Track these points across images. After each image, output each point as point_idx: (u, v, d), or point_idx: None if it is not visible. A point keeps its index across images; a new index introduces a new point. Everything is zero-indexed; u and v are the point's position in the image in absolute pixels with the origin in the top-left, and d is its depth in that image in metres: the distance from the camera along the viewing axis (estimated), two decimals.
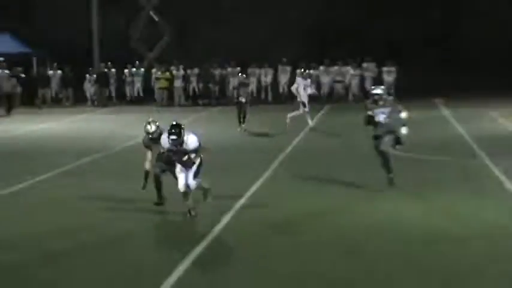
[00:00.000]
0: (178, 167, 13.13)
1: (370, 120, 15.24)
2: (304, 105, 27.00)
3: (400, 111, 15.19)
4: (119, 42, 43.39)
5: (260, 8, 45.07)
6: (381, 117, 15.08)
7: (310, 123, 27.04)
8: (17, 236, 12.59)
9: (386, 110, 15.10)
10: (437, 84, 38.29)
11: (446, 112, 31.82)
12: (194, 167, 13.07)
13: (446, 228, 12.51)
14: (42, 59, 41.69)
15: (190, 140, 12.82)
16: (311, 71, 29.27)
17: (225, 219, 13.28)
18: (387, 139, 15.16)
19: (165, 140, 12.95)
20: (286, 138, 24.02)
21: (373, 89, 15.69)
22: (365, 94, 38.43)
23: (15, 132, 27.07)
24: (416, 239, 11.83)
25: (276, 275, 10.18)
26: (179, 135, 12.70)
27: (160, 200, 14.06)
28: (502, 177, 16.63)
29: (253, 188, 15.88)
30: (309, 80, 28.23)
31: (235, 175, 17.45)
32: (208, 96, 39.28)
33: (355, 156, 19.61)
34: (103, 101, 39.07)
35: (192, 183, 13.07)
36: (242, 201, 14.70)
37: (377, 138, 15.24)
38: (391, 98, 15.55)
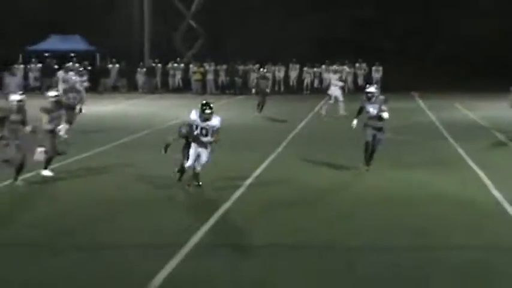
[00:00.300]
0: (194, 148, 12.39)
1: (361, 112, 14.64)
2: (330, 98, 25.85)
3: (383, 111, 14.29)
4: (165, 43, 43.53)
5: (274, 18, 44.95)
6: (371, 111, 14.37)
7: (324, 112, 25.60)
8: (73, 199, 12.59)
9: (376, 106, 14.36)
10: (413, 81, 38.07)
11: (421, 103, 31.69)
12: (209, 149, 12.43)
13: (419, 195, 12.45)
14: (103, 55, 41.72)
15: (215, 119, 12.30)
16: (335, 67, 27.86)
17: (242, 188, 13.12)
18: (378, 139, 14.43)
19: (194, 115, 12.28)
20: (293, 122, 23.92)
21: (368, 87, 14.88)
22: (357, 88, 38.65)
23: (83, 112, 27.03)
24: (394, 203, 11.76)
25: (283, 236, 10.13)
26: (212, 109, 12.21)
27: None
28: (465, 156, 16.52)
29: (265, 164, 15.75)
30: (338, 75, 27.48)
31: (253, 150, 17.37)
32: (233, 87, 39.29)
33: (347, 139, 19.47)
34: (151, 89, 39.07)
35: (204, 163, 12.49)
36: (258, 171, 14.60)
37: (366, 126, 14.48)
38: (382, 97, 14.61)
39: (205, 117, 12.20)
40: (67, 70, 25.66)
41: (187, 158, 12.48)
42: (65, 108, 14.74)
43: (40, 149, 13.45)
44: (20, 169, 12.97)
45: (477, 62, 40.43)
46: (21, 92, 14.39)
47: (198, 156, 12.40)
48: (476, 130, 21.89)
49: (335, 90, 25.92)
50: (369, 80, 38.61)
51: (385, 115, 14.27)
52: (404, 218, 10.83)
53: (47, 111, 13.78)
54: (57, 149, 13.92)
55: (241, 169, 14.32)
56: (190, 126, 12.39)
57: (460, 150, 17.35)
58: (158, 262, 8.45)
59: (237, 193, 12.37)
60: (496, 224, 10.49)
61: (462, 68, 39.86)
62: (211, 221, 10.54)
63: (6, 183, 12.97)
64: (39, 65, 39.01)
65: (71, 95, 19.83)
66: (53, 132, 13.72)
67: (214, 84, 39.43)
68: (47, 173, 13.81)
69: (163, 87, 40.41)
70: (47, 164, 13.81)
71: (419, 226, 10.32)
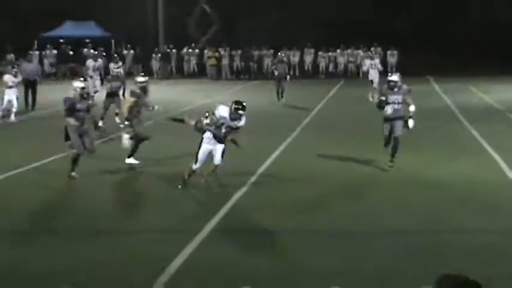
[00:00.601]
0: (205, 148, 11.55)
1: (382, 105, 13.10)
2: (372, 83, 25.38)
3: (409, 105, 13.00)
4: (179, 28, 43.53)
5: (289, 1, 44.83)
6: (393, 103, 12.95)
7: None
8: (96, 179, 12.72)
9: (399, 97, 12.93)
10: (429, 64, 37.90)
11: (436, 86, 31.58)
12: (224, 146, 11.62)
13: (434, 178, 12.48)
14: (118, 41, 41.80)
15: (244, 119, 11.40)
16: (372, 50, 27.56)
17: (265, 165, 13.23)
18: (398, 124, 13.03)
19: (225, 112, 11.36)
20: (309, 105, 23.94)
21: (390, 75, 13.47)
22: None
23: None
24: (408, 187, 11.81)
25: (297, 221, 10.22)
26: (245, 109, 11.35)
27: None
28: (480, 139, 16.51)
29: (279, 150, 15.84)
30: (376, 60, 27.21)
31: (267, 136, 17.45)
32: (248, 72, 39.28)
33: (361, 122, 19.51)
34: (166, 75, 39.15)
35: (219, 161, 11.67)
36: (272, 158, 14.64)
37: (386, 120, 13.09)
38: (405, 86, 13.13)
39: (236, 117, 11.35)
40: (96, 58, 25.64)
41: (196, 160, 11.61)
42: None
43: (126, 136, 13.50)
44: (76, 160, 12.57)
45: (492, 45, 40.21)
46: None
47: (210, 153, 11.58)
48: (492, 113, 21.83)
49: (374, 75, 25.80)
50: (384, 65, 38.53)
51: (412, 108, 13.02)
52: (418, 201, 10.88)
53: (136, 95, 13.64)
54: (142, 135, 13.65)
55: (256, 155, 14.26)
56: (215, 122, 11.44)
57: (475, 133, 17.33)
58: (174, 248, 8.53)
59: (252, 179, 12.41)
60: (511, 207, 10.52)
61: (477, 51, 39.66)
62: (227, 206, 10.63)
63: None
64: (54, 52, 39.19)
65: (114, 84, 19.67)
66: (137, 118, 13.54)
67: (229, 69, 39.49)
68: (131, 160, 13.53)
69: (178, 72, 40.50)
70: (132, 152, 13.57)
71: (433, 209, 10.37)
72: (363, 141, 16.01)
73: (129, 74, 39.22)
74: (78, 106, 12.39)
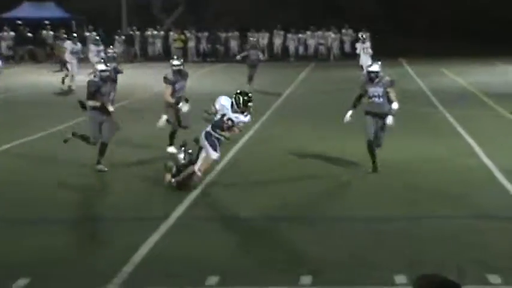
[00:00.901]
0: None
1: (360, 99, 12.04)
2: (362, 68, 24.64)
3: (392, 101, 11.78)
4: (143, 9, 43.18)
5: None
6: (373, 96, 11.80)
7: None
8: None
9: (380, 89, 11.76)
10: (401, 46, 38.09)
11: (409, 69, 31.75)
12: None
13: (408, 164, 12.53)
14: (79, 23, 41.35)
15: (249, 116, 10.85)
16: (363, 36, 27.34)
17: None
18: (374, 122, 11.80)
19: (227, 102, 10.67)
20: (280, 88, 23.89)
21: (370, 65, 12.23)
22: (344, 55, 38.70)
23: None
24: (383, 173, 11.81)
25: (266, 208, 10.19)
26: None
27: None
28: (455, 123, 16.61)
29: (248, 135, 15.69)
30: (368, 43, 26.86)
31: None
32: (215, 55, 39.15)
33: (333, 106, 19.48)
34: (130, 58, 38.83)
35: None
36: (246, 137, 14.55)
37: (367, 114, 11.87)
38: (387, 78, 12.00)
39: (242, 111, 10.66)
40: (75, 41, 25.23)
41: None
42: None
43: (164, 117, 13.37)
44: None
45: (465, 26, 40.55)
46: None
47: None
48: (465, 96, 22.00)
49: (365, 60, 25.41)
50: (354, 47, 38.65)
51: (395, 105, 11.78)
52: (394, 187, 10.89)
53: (170, 82, 13.39)
54: (181, 123, 13.40)
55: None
56: (213, 113, 10.74)
57: (450, 117, 17.42)
58: (139, 236, 8.46)
59: (220, 165, 12.26)
60: (486, 192, 10.57)
61: (448, 33, 39.99)
62: (194, 193, 10.53)
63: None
64: (12, 34, 38.60)
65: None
66: (177, 105, 13.26)
67: (196, 52, 39.35)
68: (172, 149, 13.16)
69: (142, 55, 40.19)
70: (171, 140, 13.33)
71: (409, 195, 10.40)
72: (333, 124, 15.99)
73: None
74: (103, 90, 12.15)
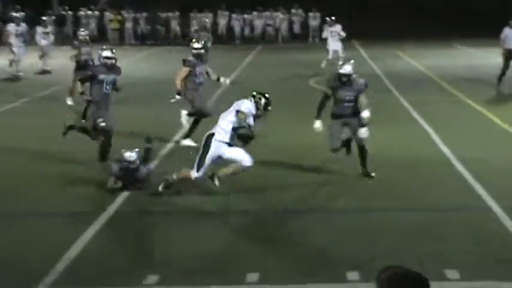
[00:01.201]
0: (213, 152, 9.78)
1: (325, 104, 11.14)
2: (328, 52, 24.88)
3: (363, 108, 10.72)
4: None
5: None
6: (343, 101, 10.82)
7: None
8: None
9: (351, 93, 10.78)
10: (354, 28, 38.38)
11: (362, 51, 31.99)
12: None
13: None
14: (5, 2, 40.64)
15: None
16: (332, 18, 27.16)
17: None
18: (354, 123, 10.83)
19: (252, 108, 9.86)
20: (224, 73, 23.76)
21: (341, 66, 11.08)
22: (293, 36, 38.85)
23: None
24: (335, 159, 11.81)
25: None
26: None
27: None
28: (411, 109, 16.76)
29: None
30: (338, 26, 26.75)
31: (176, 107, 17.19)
32: (154, 38, 38.86)
33: (284, 91, 19.51)
34: (61, 40, 38.31)
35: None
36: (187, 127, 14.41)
37: (335, 117, 10.99)
38: (362, 80, 10.93)
39: (259, 115, 10.00)
40: (18, 22, 24.57)
41: (197, 167, 9.85)
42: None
43: (184, 112, 13.19)
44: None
45: (419, 6, 41.06)
46: None
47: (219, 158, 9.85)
48: (422, 80, 22.27)
49: (333, 44, 25.15)
50: (304, 27, 38.86)
51: (366, 113, 10.70)
52: (350, 178, 10.89)
53: (190, 65, 13.19)
54: (202, 110, 13.18)
55: (161, 132, 13.79)
56: (240, 121, 9.84)
57: (405, 103, 17.58)
58: (74, 232, 8.39)
59: (159, 155, 12.22)
60: (444, 182, 10.68)
61: (403, 14, 40.44)
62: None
63: None
64: None
65: (84, 50, 18.42)
66: (194, 91, 13.10)
67: (134, 34, 39.01)
68: (187, 142, 12.97)
69: (74, 37, 39.63)
70: (190, 132, 13.11)
71: (366, 187, 10.43)
72: (288, 110, 15.98)
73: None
74: (102, 77, 11.75)
